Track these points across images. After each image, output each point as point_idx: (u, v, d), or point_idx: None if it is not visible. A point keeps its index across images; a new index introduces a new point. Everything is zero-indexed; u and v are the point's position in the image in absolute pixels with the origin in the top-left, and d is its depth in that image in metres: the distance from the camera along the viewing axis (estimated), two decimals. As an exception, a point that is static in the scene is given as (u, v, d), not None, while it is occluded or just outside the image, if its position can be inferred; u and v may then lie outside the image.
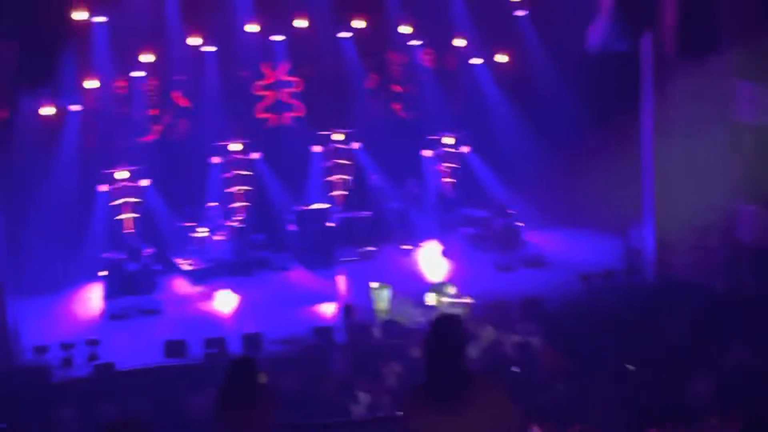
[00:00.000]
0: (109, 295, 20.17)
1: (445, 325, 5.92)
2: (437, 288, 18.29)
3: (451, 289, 18.11)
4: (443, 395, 5.74)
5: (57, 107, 19.37)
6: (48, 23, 15.52)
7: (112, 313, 19.34)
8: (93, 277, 20.85)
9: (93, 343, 17.24)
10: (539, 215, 22.97)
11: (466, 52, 23.99)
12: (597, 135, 21.95)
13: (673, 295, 16.68)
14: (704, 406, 9.82)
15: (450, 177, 24.61)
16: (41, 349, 17.15)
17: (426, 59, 24.08)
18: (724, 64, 17.39)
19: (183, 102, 22.71)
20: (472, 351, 16.00)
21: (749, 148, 17.58)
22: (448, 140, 24.34)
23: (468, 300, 17.80)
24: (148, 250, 21.09)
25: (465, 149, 24.42)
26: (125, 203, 22.33)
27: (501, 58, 23.88)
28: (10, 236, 18.07)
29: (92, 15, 20.39)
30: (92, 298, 20.47)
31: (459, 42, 23.78)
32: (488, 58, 23.93)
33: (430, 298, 17.91)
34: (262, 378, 6.82)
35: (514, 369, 12.64)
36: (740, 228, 18.00)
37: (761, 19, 16.58)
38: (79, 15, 19.28)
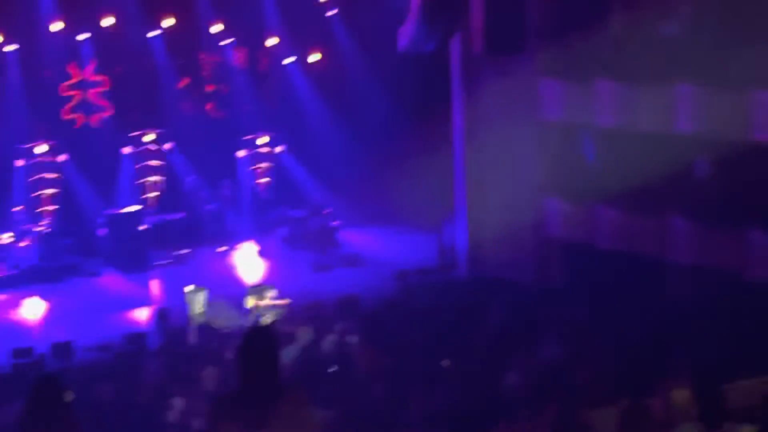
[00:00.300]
0: None
1: (257, 336, 5.87)
2: (255, 290, 18.14)
3: (270, 291, 17.99)
4: (250, 407, 5.70)
5: None
6: None
7: None
8: None
9: None
10: (355, 214, 23.09)
11: (278, 52, 23.90)
12: (410, 134, 22.27)
13: (486, 291, 17.02)
14: (516, 400, 10.04)
15: (265, 177, 24.46)
16: None
17: (238, 58, 23.86)
18: (531, 64, 17.90)
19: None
20: (290, 352, 15.96)
21: (556, 146, 18.14)
22: (263, 140, 24.19)
23: (286, 301, 17.73)
24: (-51, 258, 20.21)
25: (279, 149, 24.32)
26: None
27: (313, 57, 23.89)
28: None
29: None
30: None
31: (271, 41, 23.65)
32: (301, 58, 23.91)
33: (249, 301, 17.74)
34: (68, 396, 6.59)
35: (332, 369, 12.62)
36: (548, 223, 18.55)
37: (566, 18, 17.12)
38: None
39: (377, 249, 21.79)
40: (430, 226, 21.10)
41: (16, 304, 19.64)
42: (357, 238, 22.52)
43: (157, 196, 23.51)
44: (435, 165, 21.16)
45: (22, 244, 20.80)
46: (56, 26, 21.63)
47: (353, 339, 14.07)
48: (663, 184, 15.66)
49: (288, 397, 5.78)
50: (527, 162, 18.51)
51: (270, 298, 17.92)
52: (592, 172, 17.45)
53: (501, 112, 18.30)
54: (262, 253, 21.75)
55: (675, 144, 15.59)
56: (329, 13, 23.38)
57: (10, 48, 21.54)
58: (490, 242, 18.97)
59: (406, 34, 17.81)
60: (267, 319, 17.39)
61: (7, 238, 20.91)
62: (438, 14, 17.11)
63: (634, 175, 15.71)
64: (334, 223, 22.37)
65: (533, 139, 18.46)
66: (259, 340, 5.85)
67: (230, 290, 18.60)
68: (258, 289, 18.34)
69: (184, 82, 23.50)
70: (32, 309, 19.40)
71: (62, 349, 16.57)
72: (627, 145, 16.32)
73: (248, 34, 23.49)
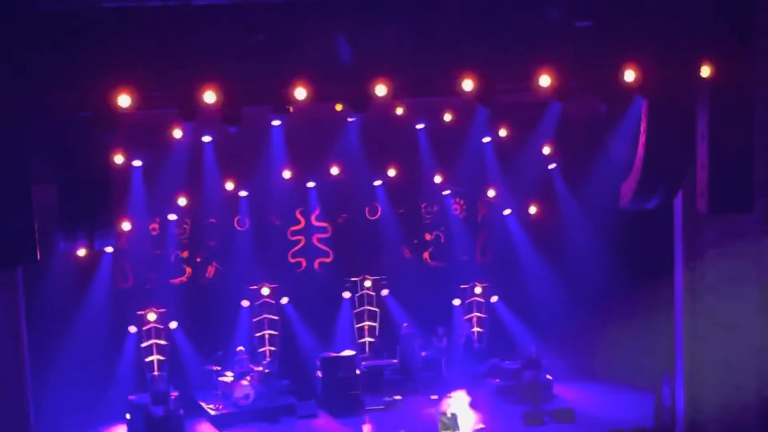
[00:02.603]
0: (133, 439, 20.03)
1: None
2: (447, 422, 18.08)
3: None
4: None
5: (91, 249, 19.55)
6: (87, 167, 15.77)
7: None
8: (119, 420, 20.72)
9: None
10: (569, 368, 22.75)
11: (496, 202, 24.13)
12: (628, 289, 21.91)
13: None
14: None
15: (479, 326, 24.47)
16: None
17: (457, 208, 24.22)
18: (758, 223, 17.45)
19: (213, 245, 22.87)
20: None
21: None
22: (478, 290, 24.29)
23: None
24: (174, 393, 20.97)
25: (494, 299, 24.34)
26: (153, 345, 22.32)
27: (532, 209, 23.98)
28: (41, 375, 18.11)
29: (129, 159, 20.77)
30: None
31: (490, 192, 23.94)
32: (518, 209, 24.03)
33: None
34: None
35: None
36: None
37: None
38: (117, 159, 19.62)
39: (591, 405, 21.28)
40: (647, 384, 20.51)
41: (234, 443, 20.22)
42: (570, 393, 22.09)
43: (373, 341, 23.87)
44: (654, 322, 20.71)
45: (242, 383, 21.40)
46: (286, 174, 22.61)
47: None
48: None
49: None
50: (750, 324, 17.92)
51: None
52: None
53: (724, 271, 17.85)
54: (473, 404, 21.69)
55: None
56: (550, 167, 23.49)
57: (242, 193, 22.60)
58: (711, 405, 18.30)
59: (628, 190, 17.68)
60: None
61: (229, 376, 21.58)
62: (662, 172, 16.93)
63: None
64: (548, 377, 22.06)
65: (756, 300, 17.89)
66: None
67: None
68: (450, 421, 18.31)
69: (403, 230, 23.98)
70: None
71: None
72: None
73: (468, 185, 23.86)
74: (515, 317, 23.99)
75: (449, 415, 18.73)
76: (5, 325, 16.82)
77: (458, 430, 18.55)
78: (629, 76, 15.95)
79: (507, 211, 24.02)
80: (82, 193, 15.59)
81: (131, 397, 21.06)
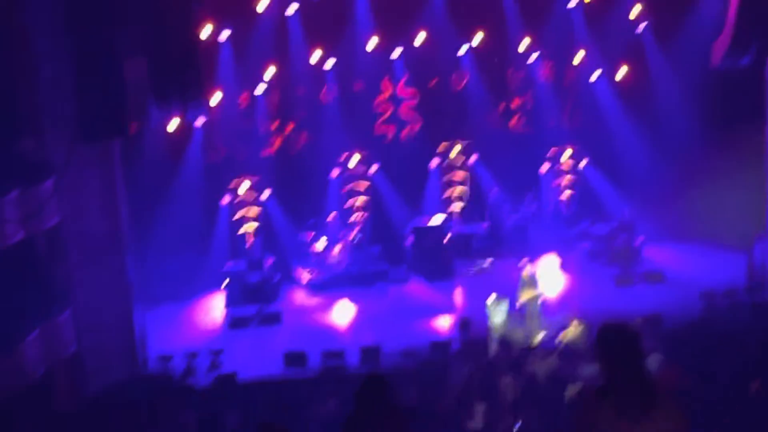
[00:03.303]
0: (230, 305, 20.64)
1: (618, 333, 6.01)
2: (527, 283, 18.38)
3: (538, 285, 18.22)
4: (627, 403, 5.84)
5: (183, 122, 19.92)
6: (176, 39, 15.95)
7: (233, 323, 19.76)
8: (216, 287, 21.36)
9: (215, 352, 17.69)
10: (659, 230, 22.68)
11: (585, 66, 23.82)
12: (718, 149, 21.66)
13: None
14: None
15: (568, 191, 24.45)
16: (166, 358, 17.69)
17: (544, 73, 23.99)
18: None
19: (302, 115, 23.08)
20: (590, 368, 15.97)
21: None
22: (566, 154, 24.20)
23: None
24: (269, 261, 21.49)
25: (583, 163, 24.24)
26: (247, 215, 22.79)
27: (621, 71, 23.63)
28: (138, 247, 18.64)
29: (218, 31, 20.92)
30: (215, 307, 20.97)
31: (578, 55, 23.62)
32: (607, 72, 23.70)
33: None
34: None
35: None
36: None
37: None
38: (207, 31, 19.79)
39: (682, 266, 21.27)
40: (739, 244, 20.38)
41: (328, 308, 20.73)
42: (661, 255, 22.09)
43: (462, 207, 24.04)
44: (745, 181, 20.49)
45: (335, 250, 21.83)
46: (372, 43, 22.58)
47: (655, 358, 13.91)
48: None
49: (661, 396, 5.89)
50: None
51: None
52: None
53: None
54: (563, 267, 21.83)
55: None
56: (639, 28, 23.04)
57: (329, 63, 22.67)
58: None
59: (719, 50, 17.33)
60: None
61: (321, 244, 22.00)
62: (753, 29, 16.53)
63: None
64: (638, 239, 22.05)
65: None
66: (621, 335, 5.98)
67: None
68: (529, 280, 18.56)
69: (490, 96, 23.90)
70: (342, 312, 20.43)
71: (370, 353, 17.30)
72: None
73: (555, 49, 23.58)
74: (605, 180, 23.91)
75: (528, 274, 18.89)
76: (104, 199, 17.28)
77: (537, 287, 18.75)
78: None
79: (596, 74, 23.71)
80: (173, 66, 15.79)
81: (228, 264, 21.64)
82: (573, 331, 17.41)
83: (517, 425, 11.71)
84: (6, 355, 14.72)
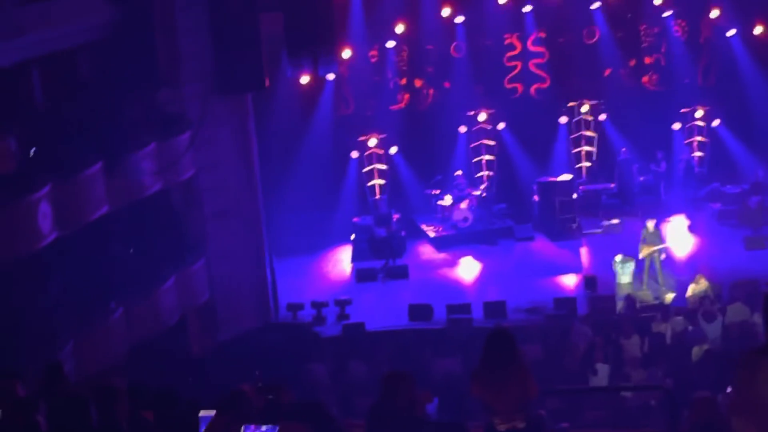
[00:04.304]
0: (357, 258, 20.97)
1: None
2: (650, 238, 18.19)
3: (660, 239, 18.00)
4: None
5: (315, 76, 20.20)
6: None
7: (360, 276, 20.08)
8: (344, 240, 21.71)
9: (344, 303, 18.06)
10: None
11: (720, 23, 23.23)
12: None
13: None
14: None
15: (700, 151, 23.97)
16: (295, 307, 18.13)
17: (678, 30, 23.49)
18: None
19: (432, 71, 23.15)
20: (716, 329, 15.83)
21: None
22: (699, 113, 23.71)
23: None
24: (396, 216, 21.73)
25: (716, 123, 23.73)
26: (375, 169, 23.03)
27: (757, 29, 22.99)
28: (270, 199, 19.08)
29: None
30: (342, 261, 21.33)
31: (714, 13, 23.04)
32: (743, 30, 23.08)
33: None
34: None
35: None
36: None
37: None
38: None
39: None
40: None
41: (453, 263, 20.91)
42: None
43: (590, 166, 23.83)
44: None
45: (461, 206, 21.90)
46: (501, -1, 22.50)
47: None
48: None
49: None
50: None
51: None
52: None
53: None
54: (692, 228, 21.51)
55: None
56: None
57: (458, 20, 22.66)
58: None
59: None
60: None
61: (447, 200, 22.11)
62: None
63: None
64: (772, 201, 21.52)
65: None
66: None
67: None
68: (651, 237, 18.39)
69: (622, 54, 23.55)
70: (467, 268, 20.59)
71: (495, 308, 17.44)
72: None
73: (690, 6, 23.09)
74: (738, 141, 23.36)
75: (652, 228, 18.67)
76: (237, 152, 17.75)
77: (660, 242, 18.54)
78: None
79: (731, 32, 23.12)
80: (307, 21, 16.10)
81: (355, 219, 21.97)
82: (698, 287, 17.26)
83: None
84: (143, 300, 15.32)
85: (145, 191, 15.53)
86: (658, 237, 18.60)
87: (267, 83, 16.60)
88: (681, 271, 18.81)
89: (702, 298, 16.58)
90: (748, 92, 23.22)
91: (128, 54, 15.04)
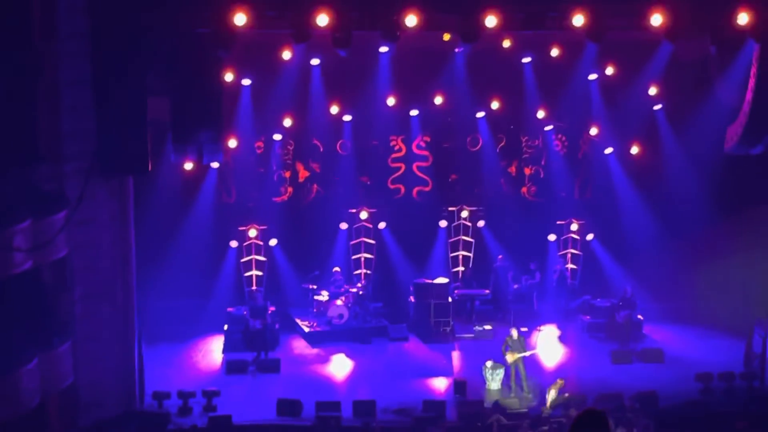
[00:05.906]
0: (229, 349, 20.71)
1: (591, 419, 6.02)
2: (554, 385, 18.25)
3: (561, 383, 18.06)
4: None
5: (199, 163, 20.15)
6: (200, 83, 16.23)
7: (231, 367, 19.79)
8: (216, 330, 21.45)
9: (211, 394, 17.73)
10: (660, 309, 22.76)
11: (598, 140, 23.96)
12: (726, 232, 21.79)
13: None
14: None
15: (573, 263, 24.52)
16: (161, 395, 17.72)
17: (558, 144, 24.14)
18: None
19: (316, 167, 23.30)
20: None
21: None
22: (574, 227, 24.31)
23: (579, 395, 17.76)
24: (271, 308, 21.57)
25: (590, 236, 24.35)
26: (253, 260, 22.94)
27: (633, 149, 23.78)
28: (143, 284, 18.74)
29: (241, 77, 21.19)
30: (213, 351, 21.03)
31: (593, 130, 23.77)
32: (620, 148, 23.81)
33: (550, 394, 17.87)
34: None
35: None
36: None
37: None
38: (229, 77, 20.07)
39: (681, 347, 21.31)
40: (740, 330, 20.43)
41: (325, 359, 20.80)
42: (661, 334, 22.13)
43: (466, 270, 24.12)
44: (750, 266, 20.63)
45: (337, 303, 21.90)
46: (390, 101, 22.83)
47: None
48: None
49: None
50: None
51: (561, 389, 17.98)
52: None
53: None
54: (562, 338, 21.89)
55: None
56: (655, 107, 23.25)
57: (347, 118, 22.93)
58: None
59: (733, 135, 17.57)
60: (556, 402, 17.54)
61: (324, 295, 22.09)
62: (767, 120, 16.79)
63: None
64: (639, 317, 22.07)
65: None
66: (595, 421, 6.01)
67: (528, 371, 18.85)
68: (514, 344, 18.61)
69: (503, 163, 24.07)
70: (340, 365, 20.49)
71: (364, 407, 17.35)
72: None
73: (571, 122, 23.78)
74: (610, 256, 23.98)
75: (515, 336, 18.88)
76: (114, 234, 17.42)
77: (524, 350, 18.73)
78: (743, 19, 15.80)
79: (609, 150, 23.89)
80: (194, 108, 16.07)
81: (230, 309, 21.75)
82: (555, 393, 17.47)
83: None
84: (1, 381, 14.76)
85: (15, 269, 15.10)
86: (522, 345, 18.85)
87: (150, 167, 16.44)
88: (547, 379, 19.02)
89: (557, 401, 16.86)
90: (621, 209, 23.93)
91: (7, 127, 14.76)
